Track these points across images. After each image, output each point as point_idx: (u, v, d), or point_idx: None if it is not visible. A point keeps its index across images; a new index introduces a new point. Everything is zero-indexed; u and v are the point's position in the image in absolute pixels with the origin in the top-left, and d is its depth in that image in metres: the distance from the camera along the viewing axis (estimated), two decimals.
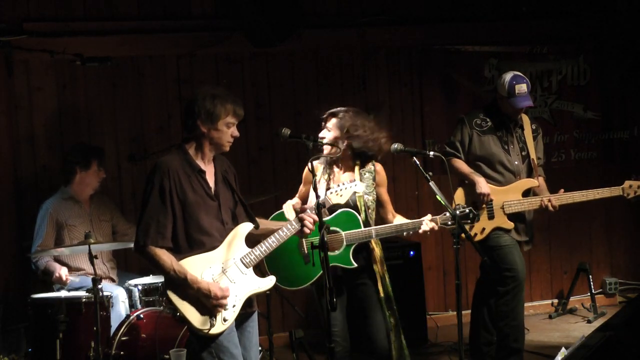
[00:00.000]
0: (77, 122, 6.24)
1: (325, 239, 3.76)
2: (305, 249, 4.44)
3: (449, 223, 4.45)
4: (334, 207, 4.40)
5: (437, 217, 4.48)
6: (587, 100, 7.36)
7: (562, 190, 5.29)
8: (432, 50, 6.98)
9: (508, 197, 5.27)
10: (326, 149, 4.49)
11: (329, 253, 4.36)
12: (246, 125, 6.33)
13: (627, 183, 5.32)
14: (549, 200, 5.22)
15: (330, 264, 4.37)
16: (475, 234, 5.23)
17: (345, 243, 4.43)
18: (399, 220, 4.59)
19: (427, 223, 4.42)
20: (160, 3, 6.41)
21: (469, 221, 4.44)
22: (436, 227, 4.45)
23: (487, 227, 5.27)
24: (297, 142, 4.09)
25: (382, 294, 4.49)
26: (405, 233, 4.51)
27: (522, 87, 5.26)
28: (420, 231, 4.43)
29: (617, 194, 5.33)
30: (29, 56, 6.00)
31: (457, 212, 4.39)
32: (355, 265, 4.46)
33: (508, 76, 5.33)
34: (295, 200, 4.69)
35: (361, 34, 6.72)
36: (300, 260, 4.45)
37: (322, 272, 4.32)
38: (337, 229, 4.43)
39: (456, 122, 5.52)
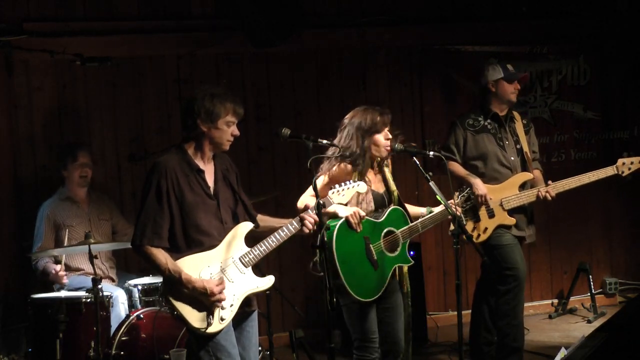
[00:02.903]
0: (77, 122, 6.24)
1: (326, 238, 3.75)
2: (374, 254, 4.31)
3: (464, 205, 4.65)
4: (383, 204, 4.39)
5: (456, 201, 4.62)
6: (587, 100, 7.36)
7: (550, 181, 5.32)
8: (432, 50, 6.98)
9: (505, 193, 5.28)
10: (330, 150, 4.46)
11: (390, 254, 4.36)
12: (246, 125, 6.33)
13: (620, 161, 5.35)
14: (546, 191, 5.24)
15: (394, 265, 4.36)
16: (479, 235, 5.24)
17: (401, 241, 4.41)
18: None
19: (456, 208, 4.47)
20: (160, 3, 6.41)
21: (469, 203, 4.66)
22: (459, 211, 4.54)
23: (489, 226, 5.27)
24: (297, 142, 4.09)
25: (406, 289, 4.44)
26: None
27: (511, 66, 5.40)
28: (450, 217, 4.47)
29: (612, 174, 5.34)
30: (29, 56, 6.00)
31: (460, 197, 4.62)
32: (412, 262, 4.46)
33: (491, 65, 5.43)
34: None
35: (361, 34, 6.72)
36: (372, 268, 4.30)
37: (389, 274, 4.31)
38: (393, 229, 4.38)
39: (449, 125, 5.54)
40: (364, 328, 4.33)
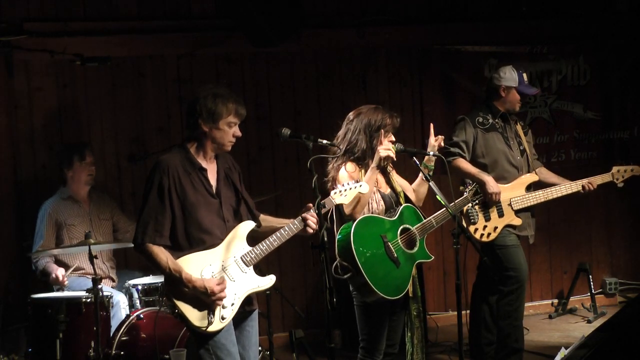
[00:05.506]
0: (77, 122, 6.24)
1: (326, 238, 3.74)
2: (394, 252, 4.28)
3: (474, 199, 4.80)
4: (392, 205, 4.38)
5: (467, 195, 4.69)
6: (587, 100, 7.36)
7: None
8: (432, 50, 6.99)
9: (514, 193, 5.30)
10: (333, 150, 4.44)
11: (410, 251, 4.35)
12: (246, 125, 6.25)
13: (615, 169, 5.43)
14: (588, 182, 5.34)
15: (416, 262, 4.35)
16: (489, 233, 5.25)
17: (418, 237, 4.40)
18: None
19: (470, 200, 4.61)
20: (160, 3, 6.41)
21: (479, 196, 4.79)
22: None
23: (499, 225, 5.28)
24: (297, 142, 4.09)
25: (411, 294, 4.39)
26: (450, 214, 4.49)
27: (526, 76, 5.44)
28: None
29: (608, 180, 5.42)
30: (29, 56, 6.00)
31: (468, 190, 4.73)
32: (432, 257, 4.47)
33: (508, 67, 5.43)
34: None
35: (361, 34, 6.72)
36: (393, 265, 4.27)
37: (412, 270, 4.30)
38: (409, 226, 4.37)
39: (457, 122, 5.51)
40: (372, 330, 4.33)
